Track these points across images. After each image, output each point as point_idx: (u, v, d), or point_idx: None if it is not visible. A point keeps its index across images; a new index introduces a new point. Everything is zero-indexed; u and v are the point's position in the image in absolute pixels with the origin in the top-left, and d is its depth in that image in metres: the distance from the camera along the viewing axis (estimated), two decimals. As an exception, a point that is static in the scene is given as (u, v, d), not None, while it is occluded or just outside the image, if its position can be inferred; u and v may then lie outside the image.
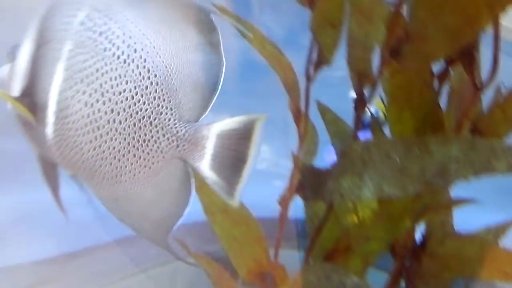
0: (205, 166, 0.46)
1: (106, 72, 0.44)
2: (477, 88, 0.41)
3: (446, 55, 0.39)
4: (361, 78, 0.43)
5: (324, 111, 0.54)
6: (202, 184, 0.58)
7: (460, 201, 0.45)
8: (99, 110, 0.44)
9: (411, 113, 0.44)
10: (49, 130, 0.45)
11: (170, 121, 0.45)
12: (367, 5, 0.44)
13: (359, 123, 0.44)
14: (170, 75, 0.45)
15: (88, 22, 0.44)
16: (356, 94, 0.44)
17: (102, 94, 0.44)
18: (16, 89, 0.46)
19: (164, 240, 0.48)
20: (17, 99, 0.46)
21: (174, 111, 0.45)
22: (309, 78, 0.52)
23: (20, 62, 0.46)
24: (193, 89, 0.46)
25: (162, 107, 0.45)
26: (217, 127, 0.45)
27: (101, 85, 0.44)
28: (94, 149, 0.45)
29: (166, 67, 0.45)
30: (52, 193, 0.50)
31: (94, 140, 0.45)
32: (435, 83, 0.47)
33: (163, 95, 0.45)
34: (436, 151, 0.38)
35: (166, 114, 0.45)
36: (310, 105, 0.54)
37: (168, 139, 0.45)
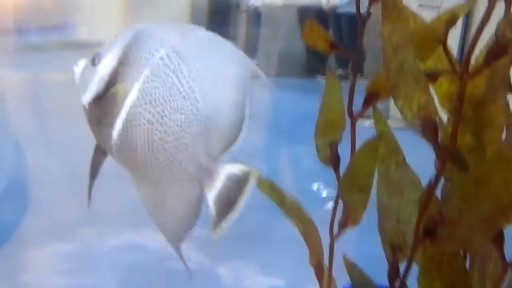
0: (211, 197, 0.56)
1: (169, 101, 0.55)
2: (506, 264, 0.43)
3: (480, 242, 0.40)
4: (394, 251, 0.45)
5: (350, 265, 0.55)
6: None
7: None
8: (156, 129, 0.55)
9: (441, 283, 0.45)
10: (115, 133, 0.57)
11: (199, 152, 0.56)
12: (396, 178, 0.46)
13: (393, 295, 0.45)
14: (210, 117, 0.55)
15: (166, 59, 0.56)
16: (390, 266, 0.46)
17: (162, 117, 0.55)
18: (91, 91, 0.57)
19: (177, 245, 0.59)
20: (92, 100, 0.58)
21: (204, 145, 0.56)
22: (333, 236, 0.53)
23: (101, 71, 0.57)
24: (221, 135, 0.57)
25: (197, 140, 0.56)
26: (227, 169, 0.57)
27: (162, 110, 0.55)
28: (144, 156, 0.56)
29: (209, 111, 0.55)
30: (90, 179, 0.62)
31: (147, 150, 0.56)
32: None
33: (201, 130, 0.55)
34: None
35: (198, 146, 0.56)
36: (333, 261, 0.54)
37: (194, 165, 0.56)
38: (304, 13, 4.76)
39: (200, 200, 0.58)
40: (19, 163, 2.44)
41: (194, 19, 5.74)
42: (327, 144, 0.55)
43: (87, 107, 0.57)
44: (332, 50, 0.50)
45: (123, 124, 0.56)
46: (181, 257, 0.60)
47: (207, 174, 0.57)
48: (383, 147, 0.49)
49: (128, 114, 0.56)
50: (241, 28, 4.99)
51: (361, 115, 0.53)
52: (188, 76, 0.55)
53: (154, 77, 0.56)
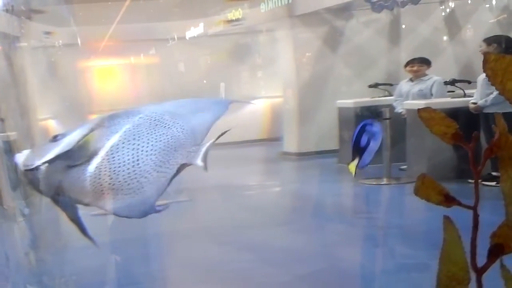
0: (198, 160, 1.36)
1: (158, 133, 1.36)
2: None
3: None
4: None
5: None
6: None
7: None
8: (142, 147, 1.33)
9: None
10: (92, 166, 1.14)
11: (188, 146, 1.39)
12: None
13: None
14: (193, 128, 1.43)
15: (148, 116, 1.45)
16: None
17: (147, 143, 1.34)
18: (54, 152, 1.21)
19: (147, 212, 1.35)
20: (57, 156, 1.23)
21: (190, 140, 1.41)
22: None
23: (70, 139, 1.22)
24: (203, 131, 1.45)
25: (185, 141, 1.41)
26: (208, 143, 1.41)
27: (148, 139, 1.33)
28: (133, 166, 1.34)
29: (194, 127, 1.44)
30: (81, 231, 1.26)
31: (135, 162, 1.32)
32: None
33: (187, 136, 1.41)
34: None
35: (187, 143, 1.41)
36: None
37: (183, 155, 1.36)
38: (452, 115, 4.59)
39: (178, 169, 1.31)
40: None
41: (342, 128, 5.91)
42: (452, 300, 0.51)
43: (41, 167, 1.12)
44: (448, 203, 0.48)
45: (101, 158, 1.18)
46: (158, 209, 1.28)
47: (195, 152, 1.32)
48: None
49: (108, 150, 1.19)
50: (386, 134, 4.98)
51: (486, 269, 0.49)
52: (171, 119, 1.40)
53: (137, 125, 1.27)
